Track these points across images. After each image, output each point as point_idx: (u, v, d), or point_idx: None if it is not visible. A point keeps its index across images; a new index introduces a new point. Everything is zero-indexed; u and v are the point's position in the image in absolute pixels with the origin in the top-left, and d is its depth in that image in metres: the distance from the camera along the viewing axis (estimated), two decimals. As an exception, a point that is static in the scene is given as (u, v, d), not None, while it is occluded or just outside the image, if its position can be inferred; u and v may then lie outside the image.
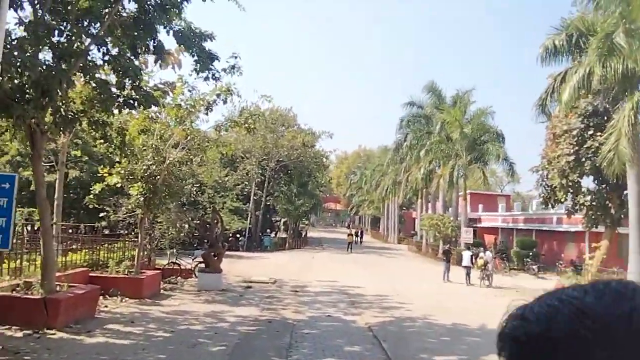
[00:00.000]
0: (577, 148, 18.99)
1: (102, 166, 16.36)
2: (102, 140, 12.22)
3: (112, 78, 11.89)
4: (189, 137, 16.49)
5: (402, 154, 44.99)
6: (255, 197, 39.74)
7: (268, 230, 43.40)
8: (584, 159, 18.65)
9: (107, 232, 21.43)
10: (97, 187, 16.37)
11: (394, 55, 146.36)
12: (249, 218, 38.55)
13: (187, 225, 27.80)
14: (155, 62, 11.82)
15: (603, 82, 16.20)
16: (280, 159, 40.68)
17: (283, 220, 48.34)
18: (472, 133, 34.01)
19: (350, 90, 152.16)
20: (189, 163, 19.30)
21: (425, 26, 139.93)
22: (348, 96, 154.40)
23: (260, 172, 40.27)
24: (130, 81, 11.34)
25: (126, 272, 14.81)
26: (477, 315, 14.07)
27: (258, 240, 39.75)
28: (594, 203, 19.96)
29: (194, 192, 33.20)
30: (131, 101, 11.52)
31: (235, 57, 14.01)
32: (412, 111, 41.76)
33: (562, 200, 21.39)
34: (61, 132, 12.34)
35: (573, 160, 18.92)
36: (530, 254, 31.99)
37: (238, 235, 38.15)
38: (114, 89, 11.58)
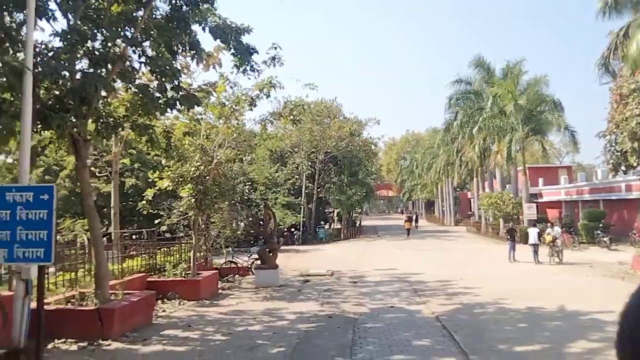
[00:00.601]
0: (648, 107, 17.32)
1: (152, 171, 16.35)
2: (148, 144, 12.04)
3: (154, 84, 11.71)
4: (235, 135, 16.26)
5: (453, 133, 43.34)
6: (306, 191, 39.48)
7: (322, 222, 43.06)
8: (657, 118, 16.96)
9: (168, 235, 21.65)
10: (149, 193, 16.45)
11: (437, 35, 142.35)
12: (302, 211, 38.35)
13: (242, 224, 27.90)
14: (193, 59, 11.53)
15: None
16: (329, 150, 40.17)
17: (336, 211, 47.89)
18: (527, 104, 32.13)
19: (394, 75, 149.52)
20: (238, 162, 19.13)
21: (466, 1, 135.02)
22: (392, 81, 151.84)
23: (310, 165, 39.93)
24: (170, 82, 11.10)
25: (183, 275, 14.73)
26: (553, 296, 13.06)
27: (313, 232, 39.50)
28: (671, 165, 18.22)
29: (246, 191, 33.40)
30: (173, 102, 11.27)
31: (275, 48, 13.57)
32: (460, 88, 40.07)
33: (635, 164, 19.65)
34: (104, 139, 12.25)
35: (645, 121, 17.26)
36: (600, 225, 29.98)
37: (293, 230, 38.04)
38: (156, 94, 11.38)
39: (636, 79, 17.40)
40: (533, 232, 22.38)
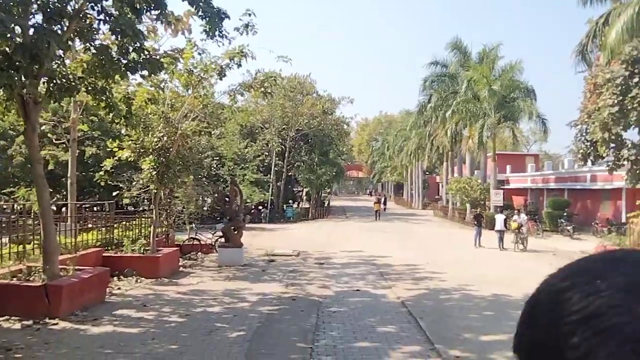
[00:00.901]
0: (621, 98, 17.27)
1: (110, 140, 15.45)
2: (107, 110, 11.21)
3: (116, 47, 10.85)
4: (201, 106, 15.44)
5: (426, 116, 43.21)
6: (276, 168, 38.86)
7: (290, 201, 42.57)
8: (629, 109, 16.95)
9: (132, 209, 20.74)
10: (107, 163, 15.56)
11: (417, 17, 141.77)
12: (270, 189, 37.75)
13: (209, 200, 27.15)
14: (157, 19, 10.71)
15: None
16: (300, 128, 39.52)
17: (305, 190, 47.47)
18: (501, 90, 32.07)
19: (370, 55, 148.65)
20: (206, 135, 18.34)
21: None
22: (367, 60, 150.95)
23: (280, 142, 39.25)
24: (132, 44, 10.29)
25: (142, 251, 14.08)
26: (518, 284, 12.96)
27: (280, 211, 39.02)
28: (639, 157, 18.34)
29: (214, 166, 32.53)
30: (134, 66, 10.48)
31: (249, 15, 12.81)
32: (436, 71, 39.82)
33: (604, 155, 19.77)
34: (56, 102, 11.38)
35: (617, 112, 17.25)
36: (564, 214, 30.47)
37: (260, 207, 37.47)
38: (116, 56, 10.56)
39: (611, 69, 17.34)
40: (499, 219, 22.49)
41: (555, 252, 20.93)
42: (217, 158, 32.65)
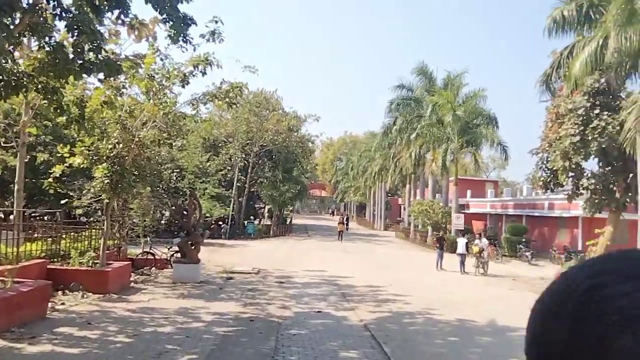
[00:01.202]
0: (582, 128, 17.68)
1: (61, 145, 14.52)
2: (57, 112, 10.46)
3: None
4: (161, 114, 14.76)
5: (390, 138, 43.50)
6: (238, 184, 38.08)
7: (252, 218, 41.75)
8: (590, 139, 17.34)
9: (85, 219, 19.58)
10: (56, 170, 14.61)
11: (383, 40, 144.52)
12: (231, 205, 36.90)
13: (167, 213, 26.16)
14: (118, 18, 10.12)
15: (617, 56, 14.86)
16: (265, 144, 38.97)
17: (267, 207, 46.74)
18: (464, 116, 32.61)
19: (337, 76, 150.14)
20: (166, 146, 17.59)
21: (415, 8, 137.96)
22: (334, 81, 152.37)
23: (244, 157, 38.58)
24: (89, 43, 9.66)
25: (90, 264, 13.18)
26: (481, 309, 12.82)
27: (241, 227, 38.16)
28: (598, 187, 18.75)
29: (174, 178, 31.57)
30: (90, 66, 9.83)
31: (216, 22, 12.35)
32: (402, 94, 40.22)
33: (564, 183, 20.16)
34: (2, 100, 10.55)
35: (578, 141, 17.62)
36: (523, 240, 30.96)
37: (220, 223, 36.53)
38: (72, 55, 9.89)
39: (573, 100, 17.75)
40: (462, 242, 22.53)
41: (514, 277, 21.05)
42: (178, 170, 31.75)
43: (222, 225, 36.51)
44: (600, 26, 15.32)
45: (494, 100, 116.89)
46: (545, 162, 20.93)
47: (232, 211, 36.93)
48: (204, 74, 14.00)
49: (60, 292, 11.83)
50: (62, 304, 10.89)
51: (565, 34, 17.01)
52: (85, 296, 11.87)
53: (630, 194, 18.55)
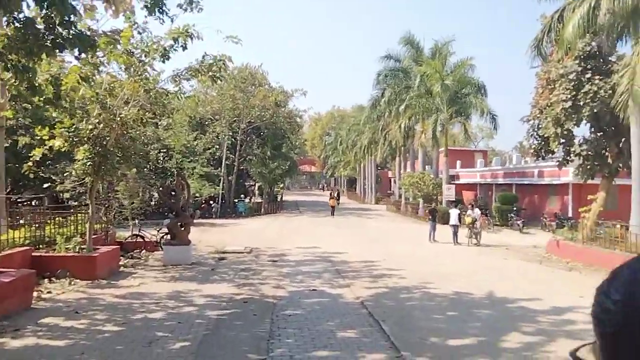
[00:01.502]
0: (574, 93, 17.36)
1: (39, 127, 13.92)
2: (29, 92, 9.90)
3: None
4: (142, 91, 14.16)
5: (379, 110, 43.04)
6: (227, 162, 37.56)
7: (242, 196, 41.38)
8: (582, 104, 17.05)
9: (74, 203, 18.99)
10: (36, 153, 14.05)
11: (369, 9, 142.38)
12: (221, 183, 36.47)
13: (156, 194, 25.68)
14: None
15: (609, 17, 14.47)
16: (252, 120, 38.34)
17: (257, 184, 46.38)
18: (453, 85, 32.21)
19: (322, 49, 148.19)
20: (151, 125, 17.05)
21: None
22: (320, 55, 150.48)
23: (231, 134, 37.97)
24: (59, 17, 9.06)
25: (77, 250, 12.80)
26: (478, 280, 12.69)
27: (232, 206, 37.81)
28: (590, 152, 18.55)
29: (162, 158, 30.98)
30: (62, 42, 9.25)
31: None
32: (390, 65, 39.60)
33: (556, 150, 19.94)
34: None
35: (570, 107, 17.32)
36: (514, 209, 30.96)
37: (211, 202, 36.17)
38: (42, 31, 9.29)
39: (564, 64, 17.39)
40: (454, 213, 22.40)
41: (507, 246, 21.03)
42: (165, 150, 31.14)
43: (213, 205, 36.16)
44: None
45: (481, 69, 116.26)
46: (536, 129, 20.66)
47: (222, 190, 36.53)
48: (184, 48, 13.39)
49: (46, 280, 11.47)
50: (49, 292, 10.53)
51: (557, -2, 16.56)
52: (72, 283, 11.52)
53: (622, 159, 18.39)
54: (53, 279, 11.67)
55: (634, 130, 15.93)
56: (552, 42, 17.57)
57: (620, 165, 18.55)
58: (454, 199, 31.13)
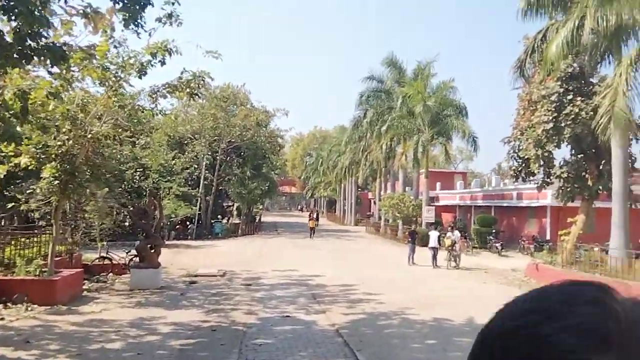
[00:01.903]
0: (555, 115, 17.37)
1: (4, 143, 13.23)
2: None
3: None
4: (116, 107, 13.63)
5: (361, 131, 42.95)
6: (205, 182, 36.83)
7: (219, 217, 40.54)
8: (563, 126, 17.04)
9: (43, 223, 18.16)
10: (0, 170, 13.35)
11: (355, 32, 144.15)
12: (198, 204, 35.68)
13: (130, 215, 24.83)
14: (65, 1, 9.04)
15: (593, 37, 14.53)
16: (233, 140, 37.80)
17: (236, 205, 45.62)
18: (435, 106, 32.28)
19: (307, 70, 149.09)
20: (129, 144, 16.42)
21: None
22: (304, 76, 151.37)
23: (211, 154, 37.36)
24: (29, 28, 8.57)
25: (37, 273, 12.05)
26: (457, 306, 12.26)
27: (208, 227, 36.97)
28: (570, 174, 18.51)
29: (137, 178, 30.20)
30: (30, 53, 8.74)
31: (173, 3, 11.34)
32: (372, 86, 39.66)
33: (536, 172, 19.87)
34: None
35: (551, 128, 17.30)
36: (493, 231, 30.84)
37: (187, 223, 35.30)
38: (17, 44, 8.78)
39: (546, 86, 17.41)
40: (434, 236, 22.09)
41: (486, 269, 20.76)
42: (141, 169, 30.40)
43: (189, 225, 35.29)
44: (576, 6, 14.93)
45: (462, 91, 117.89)
46: (517, 151, 20.61)
47: (199, 210, 35.74)
48: (163, 63, 12.97)
49: (1, 306, 10.73)
50: (1, 319, 9.80)
51: (540, 17, 16.62)
52: (29, 309, 10.78)
53: (602, 182, 18.36)
54: (9, 304, 10.92)
55: (615, 152, 15.88)
56: (535, 63, 17.62)
57: (600, 187, 18.52)
58: (433, 221, 30.91)
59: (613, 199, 16.16)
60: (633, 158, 18.61)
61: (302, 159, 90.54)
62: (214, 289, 14.30)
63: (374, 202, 51.68)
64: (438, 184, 47.15)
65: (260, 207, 53.54)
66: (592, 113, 16.12)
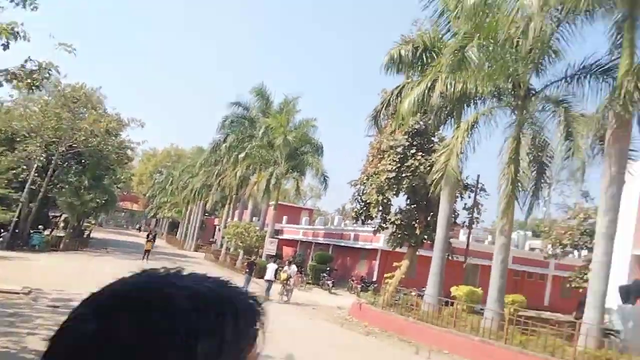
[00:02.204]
0: (399, 165, 18.76)
1: None
2: None
3: None
4: None
5: (218, 155, 41.95)
6: (33, 187, 32.45)
7: (40, 227, 35.72)
8: (403, 176, 18.45)
9: None
10: None
11: (223, 60, 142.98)
12: (18, 210, 31.25)
13: None
14: None
15: (440, 100, 15.98)
16: (74, 145, 34.01)
17: (65, 216, 41.02)
18: (294, 142, 33.02)
19: (169, 88, 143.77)
20: None
21: (255, 33, 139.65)
22: (164, 94, 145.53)
23: (46, 157, 33.19)
24: None
25: None
26: (285, 342, 12.03)
27: (25, 237, 32.46)
28: (403, 222, 19.93)
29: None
30: None
31: None
32: (238, 111, 39.27)
33: (374, 216, 21.10)
34: None
35: (393, 177, 18.59)
36: (327, 268, 31.99)
37: (1, 230, 30.63)
38: None
39: (395, 137, 18.73)
40: (271, 268, 21.99)
41: (315, 306, 21.21)
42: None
43: (2, 233, 30.63)
44: (431, 70, 16.39)
45: (324, 127, 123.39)
46: (361, 194, 21.70)
47: (17, 217, 31.29)
48: (5, 47, 11.15)
49: None
50: None
51: (401, 73, 18.00)
52: None
53: (428, 232, 20.02)
54: None
55: (443, 206, 17.46)
56: (389, 116, 18.86)
57: (426, 237, 20.19)
58: (274, 254, 30.98)
59: (434, 248, 17.66)
60: (456, 213, 20.68)
61: (151, 176, 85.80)
62: (13, 308, 12.22)
63: (219, 229, 50.43)
64: (285, 217, 47.79)
65: (93, 221, 48.83)
66: (429, 168, 17.64)
